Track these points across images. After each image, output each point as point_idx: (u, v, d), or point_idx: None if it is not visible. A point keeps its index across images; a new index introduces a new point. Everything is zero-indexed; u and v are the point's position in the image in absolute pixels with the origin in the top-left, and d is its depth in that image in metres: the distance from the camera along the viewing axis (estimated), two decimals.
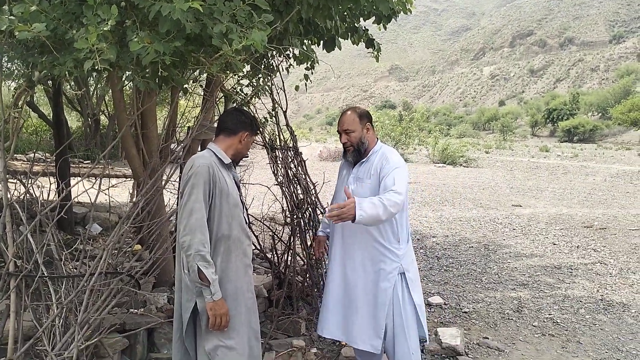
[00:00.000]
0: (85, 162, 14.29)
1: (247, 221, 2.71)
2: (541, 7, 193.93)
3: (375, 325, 2.90)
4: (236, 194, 2.58)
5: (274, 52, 4.14)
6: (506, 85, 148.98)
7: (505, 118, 73.33)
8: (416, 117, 32.02)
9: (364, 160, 3.02)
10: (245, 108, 3.32)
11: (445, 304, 5.15)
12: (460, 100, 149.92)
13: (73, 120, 22.17)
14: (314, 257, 4.13)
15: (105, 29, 2.19)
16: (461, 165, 25.31)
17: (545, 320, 4.76)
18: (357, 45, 5.02)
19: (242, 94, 4.34)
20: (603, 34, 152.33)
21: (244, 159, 2.83)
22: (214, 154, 2.55)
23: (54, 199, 3.30)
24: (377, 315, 2.89)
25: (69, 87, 15.43)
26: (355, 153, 3.01)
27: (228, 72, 3.32)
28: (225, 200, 2.47)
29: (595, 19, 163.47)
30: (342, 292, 3.02)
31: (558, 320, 4.74)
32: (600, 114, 73.51)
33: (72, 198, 3.57)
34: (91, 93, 15.99)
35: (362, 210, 2.53)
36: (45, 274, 2.82)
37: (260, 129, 2.69)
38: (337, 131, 3.09)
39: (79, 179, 3.17)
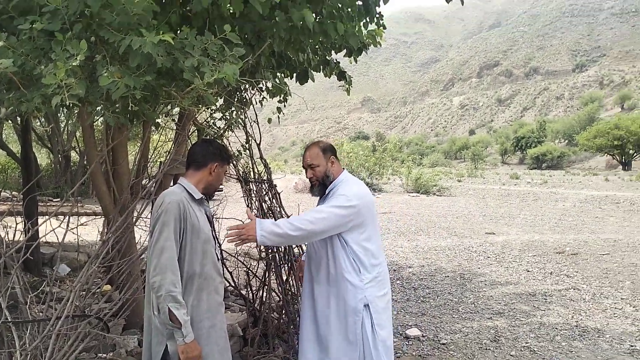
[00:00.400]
0: (54, 200, 13.95)
1: (219, 257, 2.64)
2: (506, 39, 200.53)
3: None
4: (208, 230, 2.51)
5: (247, 85, 4.14)
6: (475, 114, 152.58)
7: (475, 147, 74.97)
8: (389, 147, 32.33)
9: (329, 193, 3.00)
10: (214, 139, 3.22)
11: (423, 335, 5.10)
12: (432, 130, 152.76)
13: (43, 157, 21.73)
14: (289, 291, 4.06)
15: (74, 64, 2.14)
16: (434, 194, 25.58)
17: (522, 349, 4.74)
18: (329, 77, 5.08)
19: (215, 127, 4.30)
20: (566, 64, 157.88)
21: (217, 192, 2.76)
22: (185, 189, 2.48)
23: (20, 239, 3.18)
24: (351, 355, 2.81)
25: (38, 123, 15.18)
26: (320, 187, 3.01)
27: (200, 105, 3.29)
28: (197, 236, 2.40)
29: (558, 49, 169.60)
30: (316, 329, 2.96)
31: (535, 349, 4.73)
32: (566, 141, 75.71)
33: (39, 238, 3.44)
34: (62, 129, 15.75)
35: (262, 231, 2.58)
36: (9, 319, 2.69)
37: (232, 158, 2.64)
38: (302, 166, 3.07)
39: (47, 217, 3.07)
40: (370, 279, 2.86)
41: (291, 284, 4.27)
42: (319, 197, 3.08)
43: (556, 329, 5.29)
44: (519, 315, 5.76)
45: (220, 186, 2.71)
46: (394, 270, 8.13)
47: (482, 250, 9.93)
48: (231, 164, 4.15)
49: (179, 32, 2.49)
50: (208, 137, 4.28)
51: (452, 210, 17.90)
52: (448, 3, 3.94)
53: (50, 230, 3.00)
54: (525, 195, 23.78)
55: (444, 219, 15.26)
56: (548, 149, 61.66)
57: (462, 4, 3.95)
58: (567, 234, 12.01)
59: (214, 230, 2.66)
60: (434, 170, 41.08)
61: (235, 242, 2.61)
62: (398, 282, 7.42)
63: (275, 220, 4.12)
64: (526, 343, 4.88)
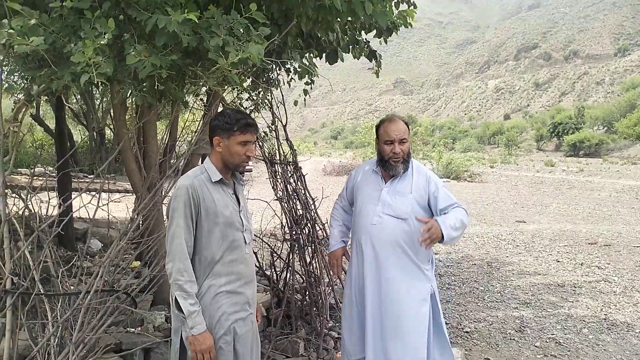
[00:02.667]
0: (89, 176, 14.30)
1: (246, 240, 2.44)
2: (546, 20, 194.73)
3: (419, 353, 2.77)
4: (230, 212, 2.34)
5: (274, 66, 4.13)
6: (511, 98, 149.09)
7: (510, 132, 73.29)
8: (420, 131, 31.94)
9: (401, 174, 2.88)
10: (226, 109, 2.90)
11: (446, 323, 5.07)
12: (465, 114, 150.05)
13: (79, 134, 22.27)
14: (312, 274, 4.08)
15: (102, 42, 2.17)
16: (465, 180, 25.21)
17: (547, 340, 4.67)
18: (358, 59, 5.01)
19: (243, 108, 4.32)
20: (608, 47, 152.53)
21: (246, 171, 2.69)
22: (205, 170, 2.35)
23: (53, 214, 3.27)
24: (420, 341, 2.77)
25: (74, 100, 15.51)
26: (405, 165, 2.85)
27: (226, 85, 3.30)
28: (213, 220, 2.27)
29: (600, 31, 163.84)
30: (379, 314, 2.83)
31: (561, 341, 4.65)
32: (605, 128, 73.31)
33: (71, 213, 3.53)
34: (96, 106, 16.07)
35: (447, 229, 2.56)
36: (42, 292, 2.78)
37: (241, 124, 2.29)
38: (387, 141, 2.84)
39: (78, 193, 3.14)
40: (432, 269, 2.95)
41: (314, 266, 4.29)
42: (386, 176, 2.93)
43: (584, 321, 5.18)
44: (546, 306, 5.66)
45: (248, 166, 2.60)
46: None
47: (512, 239, 9.77)
48: (257, 144, 4.17)
49: (206, 11, 2.49)
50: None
51: (483, 196, 17.64)
52: None
53: (82, 206, 3.08)
54: (560, 184, 23.22)
55: (473, 205, 15.06)
56: (586, 135, 59.79)
57: None
58: (601, 224, 11.69)
59: (242, 211, 2.45)
60: (466, 155, 40.49)
61: (427, 245, 2.57)
62: None
63: (300, 200, 4.14)
64: (552, 334, 4.80)
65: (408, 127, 2.92)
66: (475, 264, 7.67)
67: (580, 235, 10.16)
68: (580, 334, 4.83)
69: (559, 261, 7.91)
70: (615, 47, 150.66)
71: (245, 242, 2.42)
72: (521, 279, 6.83)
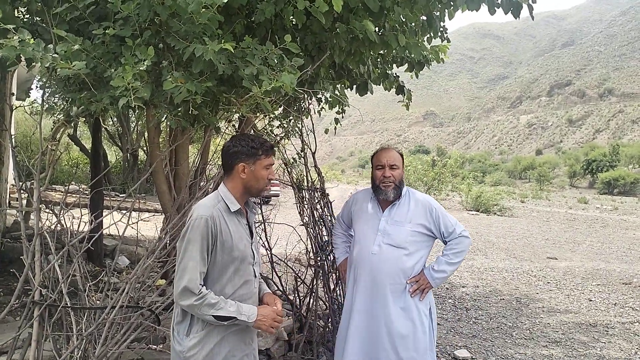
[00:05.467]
0: (121, 195, 14.65)
1: (257, 275, 2.38)
2: (580, 58, 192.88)
3: None
4: (244, 246, 2.25)
5: (305, 95, 4.22)
6: (543, 134, 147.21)
7: (542, 167, 72.24)
8: (450, 162, 31.73)
9: (396, 202, 2.98)
10: (242, 134, 2.87)
11: (472, 358, 4.96)
12: (496, 147, 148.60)
13: (113, 154, 22.88)
14: (336, 300, 4.08)
15: (141, 68, 2.28)
16: (495, 213, 24.82)
17: None
18: (388, 91, 5.08)
19: (273, 135, 4.40)
20: None
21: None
22: (222, 198, 2.23)
23: (84, 230, 3.37)
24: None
25: (111, 122, 16.01)
26: (395, 190, 2.94)
27: (258, 113, 3.39)
28: (228, 254, 2.17)
29: (635, 70, 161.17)
30: (368, 327, 2.93)
31: None
32: None
33: (101, 230, 3.63)
34: (131, 129, 16.54)
35: (434, 280, 2.91)
36: (69, 305, 2.86)
37: (267, 148, 2.26)
38: (378, 166, 2.99)
39: (109, 212, 3.24)
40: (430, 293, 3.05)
41: (338, 293, 4.29)
42: (382, 203, 3.03)
43: None
44: (577, 346, 5.48)
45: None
46: (447, 289, 7.95)
47: (542, 275, 9.53)
48: (286, 170, 4.24)
49: (242, 41, 2.59)
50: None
51: (513, 231, 17.31)
52: (516, 19, 3.85)
53: (112, 223, 3.17)
54: (593, 221, 22.64)
55: (503, 239, 14.79)
56: (621, 174, 58.44)
57: (532, 19, 3.85)
58: (636, 264, 11.31)
59: (254, 242, 2.38)
60: (496, 189, 39.93)
61: (419, 296, 2.91)
62: (450, 300, 7.25)
63: (326, 226, 4.18)
64: None
65: (402, 158, 3.05)
66: (503, 299, 7.50)
67: (614, 275, 9.85)
68: None
69: (591, 300, 7.67)
70: None
71: (255, 276, 2.34)
72: (551, 317, 6.64)
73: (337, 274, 4.19)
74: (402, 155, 3.06)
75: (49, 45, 2.38)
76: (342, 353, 2.99)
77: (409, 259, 2.89)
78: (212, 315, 2.08)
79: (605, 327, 6.27)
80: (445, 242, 3.05)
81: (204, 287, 2.11)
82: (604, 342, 5.65)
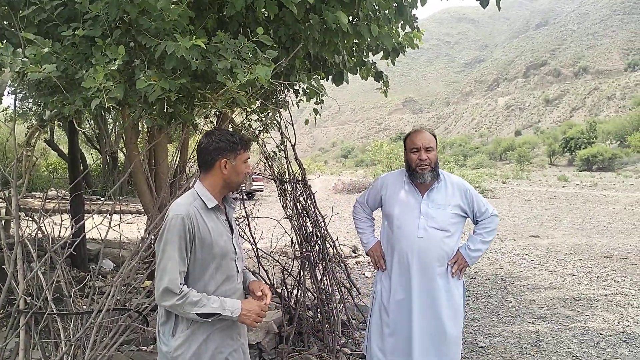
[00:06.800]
0: (102, 198, 14.44)
1: (239, 270, 2.35)
2: (554, 38, 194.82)
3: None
4: (224, 241, 2.23)
5: (282, 88, 4.21)
6: (522, 115, 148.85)
7: (522, 148, 73.09)
8: None
9: (434, 186, 2.98)
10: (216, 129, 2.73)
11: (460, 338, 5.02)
12: (476, 130, 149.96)
13: (93, 157, 22.59)
14: (323, 290, 4.11)
15: (112, 68, 2.25)
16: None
17: (564, 354, 4.61)
18: (365, 80, 5.09)
19: (251, 129, 4.39)
20: (618, 63, 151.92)
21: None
22: (198, 195, 2.20)
23: (66, 235, 3.33)
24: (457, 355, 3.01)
25: (88, 125, 15.79)
26: (432, 173, 2.93)
27: (234, 107, 3.38)
28: (208, 252, 2.15)
29: (609, 47, 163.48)
30: (426, 327, 2.96)
31: (578, 354, 4.58)
32: (618, 142, 72.76)
33: (83, 234, 3.60)
34: (109, 131, 16.33)
35: (471, 260, 3.00)
36: (55, 311, 2.83)
37: (245, 142, 2.24)
38: (413, 149, 2.94)
39: (89, 215, 3.21)
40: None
41: (325, 283, 4.31)
42: (420, 190, 3.01)
43: (601, 334, 5.11)
44: (562, 320, 5.59)
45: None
46: None
47: (526, 254, 9.68)
48: (267, 164, 4.23)
49: (215, 36, 2.57)
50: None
51: (496, 211, 17.49)
52: (484, 8, 3.87)
53: (93, 227, 3.14)
54: (574, 198, 23.01)
55: None
56: (599, 150, 59.30)
57: (499, 10, 3.87)
58: (616, 237, 11.56)
59: (235, 237, 2.35)
60: (478, 171, 40.30)
61: (458, 275, 2.99)
62: None
63: (310, 218, 4.19)
64: (568, 348, 4.74)
65: (435, 138, 3.01)
66: (488, 279, 7.60)
67: (596, 249, 10.05)
68: (597, 347, 4.77)
69: (574, 275, 7.82)
70: (625, 63, 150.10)
71: (237, 271, 2.32)
72: (536, 294, 6.75)
73: (323, 264, 4.21)
74: (435, 137, 3.03)
75: (18, 49, 2.34)
76: (382, 338, 3.05)
77: (450, 241, 2.95)
78: (196, 313, 2.07)
79: (589, 300, 6.40)
80: (475, 222, 3.12)
81: (185, 285, 2.08)
82: (588, 315, 5.77)
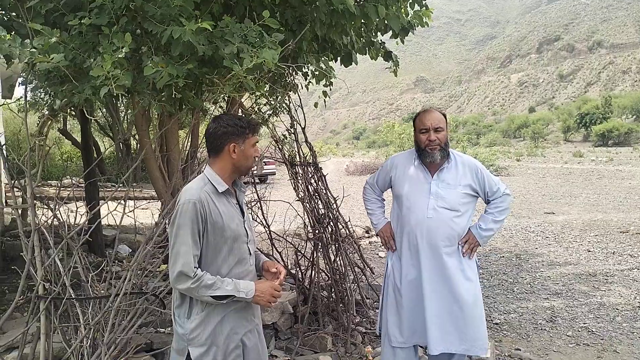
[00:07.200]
0: (116, 185, 14.56)
1: (252, 252, 2.37)
2: (567, 12, 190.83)
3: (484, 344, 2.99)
4: (236, 225, 2.25)
5: (291, 71, 4.20)
6: (535, 91, 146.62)
7: (536, 124, 72.13)
8: None
9: (444, 166, 2.96)
10: (225, 113, 2.77)
11: None
12: (489, 108, 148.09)
13: (105, 145, 22.78)
14: (337, 271, 4.14)
15: (120, 56, 2.27)
16: (491, 174, 24.85)
17: (579, 329, 4.62)
18: (375, 60, 5.05)
19: (261, 113, 4.40)
20: (633, 36, 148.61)
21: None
22: (209, 180, 2.21)
23: (82, 222, 3.39)
24: (480, 330, 2.97)
25: (100, 113, 15.90)
26: (442, 152, 2.92)
27: (242, 92, 3.38)
28: (220, 235, 2.17)
29: (624, 20, 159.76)
30: (440, 306, 2.94)
31: (593, 329, 4.59)
32: (634, 117, 71.53)
33: (98, 220, 3.65)
34: (121, 118, 16.44)
35: (482, 239, 2.98)
36: (73, 296, 2.90)
37: (254, 125, 2.25)
38: (422, 130, 2.92)
39: (103, 202, 3.26)
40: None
41: (339, 263, 4.35)
42: (430, 170, 2.99)
43: (617, 309, 5.11)
44: (578, 296, 5.60)
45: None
46: None
47: (541, 230, 9.65)
48: (277, 147, 4.25)
49: (221, 20, 2.57)
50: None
51: (510, 189, 17.38)
52: None
53: (108, 213, 3.19)
54: (589, 174, 22.77)
55: None
56: (614, 125, 58.38)
57: None
58: (633, 212, 11.45)
59: (246, 221, 2.36)
60: (491, 149, 39.93)
61: (469, 255, 2.97)
62: None
63: (321, 200, 4.21)
64: (584, 323, 4.75)
65: (445, 118, 2.98)
66: (503, 257, 7.60)
67: (612, 224, 9.98)
68: (613, 322, 4.77)
69: (589, 251, 7.79)
70: None
71: (250, 254, 2.35)
72: (551, 270, 6.75)
73: (336, 245, 4.24)
74: (445, 116, 3.00)
75: (26, 40, 2.37)
76: (398, 317, 3.05)
77: (461, 220, 2.93)
78: (211, 296, 2.10)
79: (605, 275, 6.38)
80: (487, 202, 3.10)
81: (199, 269, 2.11)
82: (604, 290, 5.76)
